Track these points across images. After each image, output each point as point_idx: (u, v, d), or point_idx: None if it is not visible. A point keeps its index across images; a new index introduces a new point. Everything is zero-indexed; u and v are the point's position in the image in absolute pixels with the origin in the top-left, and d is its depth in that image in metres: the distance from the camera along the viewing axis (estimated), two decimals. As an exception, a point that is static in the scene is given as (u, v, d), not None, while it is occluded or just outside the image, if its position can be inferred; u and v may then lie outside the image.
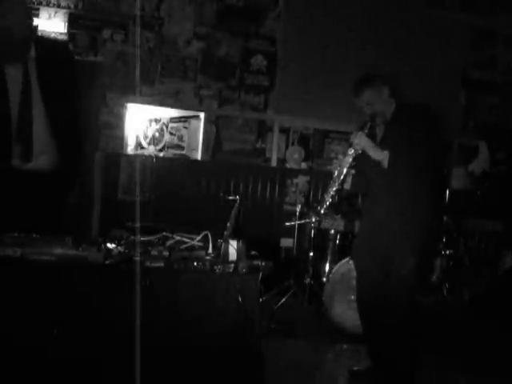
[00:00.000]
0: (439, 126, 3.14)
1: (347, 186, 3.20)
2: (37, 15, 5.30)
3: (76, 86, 2.82)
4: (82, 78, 2.88)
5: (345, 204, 4.69)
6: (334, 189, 3.15)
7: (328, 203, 3.18)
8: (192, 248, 2.29)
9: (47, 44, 2.81)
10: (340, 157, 3.19)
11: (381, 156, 3.03)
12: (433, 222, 3.19)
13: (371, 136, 3.15)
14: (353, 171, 3.16)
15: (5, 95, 2.61)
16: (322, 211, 3.21)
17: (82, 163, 2.93)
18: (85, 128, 2.90)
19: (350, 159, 3.11)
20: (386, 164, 3.01)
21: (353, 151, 3.10)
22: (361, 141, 3.07)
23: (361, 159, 3.12)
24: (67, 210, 2.81)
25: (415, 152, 2.98)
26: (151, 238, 2.32)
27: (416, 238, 3.08)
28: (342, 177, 3.14)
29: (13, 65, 2.61)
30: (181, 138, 5.76)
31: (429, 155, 3.02)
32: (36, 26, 2.67)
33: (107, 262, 2.07)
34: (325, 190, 3.27)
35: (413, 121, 3.07)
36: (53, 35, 5.17)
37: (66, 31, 5.31)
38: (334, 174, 3.18)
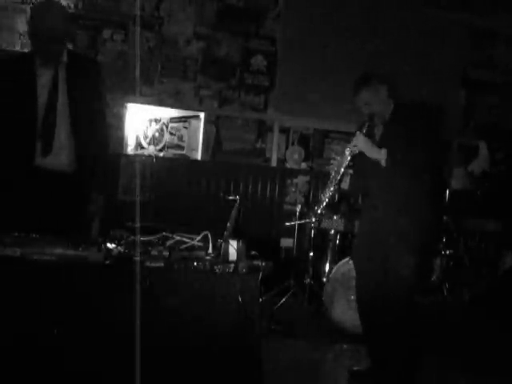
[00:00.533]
0: (438, 125, 3.14)
1: (345, 185, 3.20)
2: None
3: (100, 96, 2.98)
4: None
5: (344, 204, 4.69)
6: (331, 189, 3.15)
7: (325, 203, 3.18)
8: (192, 248, 2.29)
9: (78, 55, 3.03)
10: (337, 157, 3.19)
11: (379, 155, 3.02)
12: (432, 222, 3.19)
13: (370, 136, 3.14)
14: (350, 171, 3.16)
15: (33, 95, 2.72)
16: (319, 211, 3.21)
17: (101, 166, 2.98)
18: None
19: (347, 159, 3.11)
20: (383, 163, 3.01)
21: (350, 151, 3.09)
22: (358, 142, 3.07)
23: (358, 159, 3.12)
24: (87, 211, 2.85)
25: (413, 152, 2.98)
26: (151, 237, 2.32)
27: (415, 238, 3.08)
28: (338, 177, 3.14)
29: (45, 66, 2.73)
30: (181, 138, 5.76)
31: (426, 155, 3.02)
32: (73, 32, 2.81)
33: (107, 262, 2.07)
34: (323, 190, 3.27)
35: (410, 120, 3.07)
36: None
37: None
38: (331, 174, 3.18)
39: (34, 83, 2.73)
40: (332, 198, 3.19)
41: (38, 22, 2.68)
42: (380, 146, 3.09)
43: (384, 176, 3.14)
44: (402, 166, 3.02)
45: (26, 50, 5.26)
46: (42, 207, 2.63)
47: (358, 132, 3.12)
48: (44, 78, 2.74)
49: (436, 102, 5.77)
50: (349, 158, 3.10)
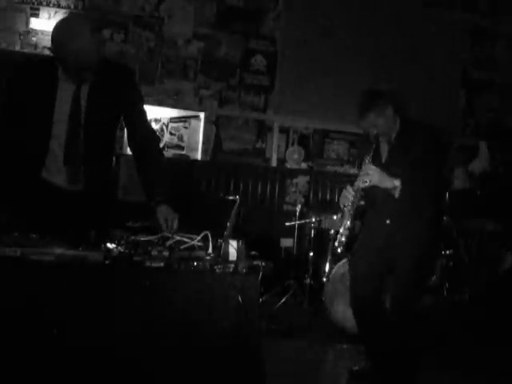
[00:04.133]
0: (444, 146, 3.14)
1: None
2: (37, 15, 5.32)
3: (135, 107, 2.74)
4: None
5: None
6: (347, 227, 3.04)
7: (344, 240, 3.08)
8: (192, 248, 2.29)
9: (107, 64, 2.65)
10: (349, 189, 3.05)
11: (393, 185, 2.95)
12: (431, 233, 3.19)
13: (376, 155, 3.10)
14: (362, 202, 3.11)
15: (50, 113, 2.57)
16: (339, 250, 3.12)
17: (110, 190, 2.91)
18: None
19: (360, 192, 3.02)
20: (396, 194, 2.95)
21: (363, 183, 2.99)
22: (373, 175, 2.97)
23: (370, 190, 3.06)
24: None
25: (420, 173, 2.96)
26: (151, 237, 2.32)
27: (417, 243, 3.08)
28: (352, 211, 3.04)
29: (67, 81, 2.57)
30: (181, 138, 5.76)
31: (432, 174, 3.01)
32: (102, 57, 2.61)
33: (107, 261, 2.07)
34: (340, 226, 3.15)
35: (417, 139, 3.04)
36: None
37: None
38: (344, 207, 3.07)
39: (54, 96, 2.57)
40: (349, 235, 3.10)
41: (64, 48, 2.45)
42: (387, 165, 3.06)
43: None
44: (409, 186, 2.99)
45: (25, 50, 5.29)
46: (42, 219, 2.54)
47: (367, 162, 3.02)
48: (65, 93, 2.57)
49: (436, 102, 5.79)
50: (361, 190, 3.02)
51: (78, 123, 2.61)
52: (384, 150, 3.17)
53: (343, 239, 3.06)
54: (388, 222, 3.14)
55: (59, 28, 2.52)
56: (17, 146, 2.61)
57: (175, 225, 2.49)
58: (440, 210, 3.28)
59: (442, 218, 3.81)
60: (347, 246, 3.12)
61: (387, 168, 3.03)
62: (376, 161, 3.08)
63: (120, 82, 2.69)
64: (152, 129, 2.92)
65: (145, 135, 2.77)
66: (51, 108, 2.58)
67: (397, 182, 2.95)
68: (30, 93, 2.57)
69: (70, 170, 2.64)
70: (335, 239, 3.11)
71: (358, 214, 3.22)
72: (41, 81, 2.59)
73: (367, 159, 3.04)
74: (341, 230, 3.08)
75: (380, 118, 3.04)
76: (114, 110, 2.70)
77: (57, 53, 2.52)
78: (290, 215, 5.21)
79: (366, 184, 2.98)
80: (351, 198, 3.04)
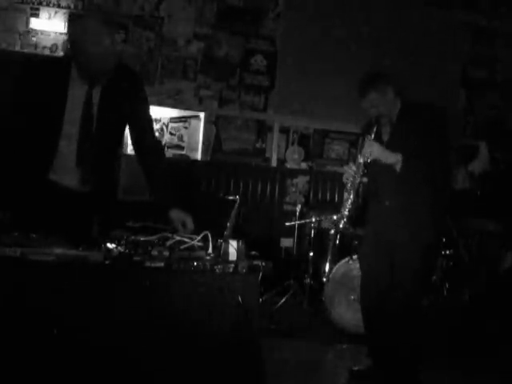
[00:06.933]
0: (446, 124, 3.14)
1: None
2: (37, 15, 5.32)
3: (139, 112, 2.75)
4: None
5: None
6: (350, 202, 3.08)
7: (347, 216, 3.11)
8: (192, 248, 2.29)
9: (121, 74, 2.65)
10: (351, 166, 3.10)
11: (394, 159, 2.98)
12: (438, 223, 3.18)
13: (377, 137, 3.10)
14: (365, 179, 3.11)
15: (61, 114, 2.57)
16: (342, 225, 3.15)
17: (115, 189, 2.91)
18: None
19: (362, 168, 3.04)
20: (398, 168, 2.97)
21: (364, 159, 3.02)
22: (373, 149, 3.01)
23: (372, 166, 3.07)
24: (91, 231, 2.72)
25: (423, 150, 2.96)
26: (151, 237, 2.32)
27: (422, 238, 3.07)
28: (355, 187, 3.08)
29: (79, 83, 2.56)
30: (181, 138, 5.76)
31: (438, 152, 3.01)
32: (118, 60, 2.61)
33: (107, 261, 2.07)
34: (342, 203, 3.17)
35: (418, 119, 3.05)
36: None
37: (65, 31, 5.30)
38: (346, 184, 3.10)
39: (65, 97, 2.56)
40: (353, 209, 3.12)
41: (84, 51, 2.45)
42: (389, 146, 3.06)
43: (395, 176, 3.11)
44: (413, 168, 2.99)
45: (25, 50, 5.29)
46: (49, 221, 2.53)
47: (369, 139, 3.04)
48: (76, 94, 2.57)
49: (436, 102, 5.78)
50: (363, 166, 3.04)
51: (91, 125, 2.61)
52: (386, 131, 3.19)
53: (346, 213, 3.10)
54: (387, 203, 3.15)
55: (80, 31, 2.51)
56: (24, 145, 2.60)
57: (191, 226, 2.53)
58: (443, 211, 3.26)
59: (446, 202, 3.76)
60: (351, 221, 3.14)
61: (389, 148, 3.05)
62: (377, 142, 3.10)
63: (130, 87, 2.69)
64: (156, 137, 2.96)
65: (152, 144, 2.79)
66: (62, 108, 2.57)
67: (399, 157, 2.96)
68: (40, 93, 2.55)
69: (82, 170, 2.64)
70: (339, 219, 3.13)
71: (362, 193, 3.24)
72: (51, 81, 2.57)
73: (368, 137, 3.05)
74: (344, 205, 3.11)
75: (380, 98, 3.07)
76: (124, 112, 2.70)
77: (76, 55, 2.51)
78: (290, 215, 5.22)
79: (368, 158, 3.01)
80: (352, 173, 3.07)
